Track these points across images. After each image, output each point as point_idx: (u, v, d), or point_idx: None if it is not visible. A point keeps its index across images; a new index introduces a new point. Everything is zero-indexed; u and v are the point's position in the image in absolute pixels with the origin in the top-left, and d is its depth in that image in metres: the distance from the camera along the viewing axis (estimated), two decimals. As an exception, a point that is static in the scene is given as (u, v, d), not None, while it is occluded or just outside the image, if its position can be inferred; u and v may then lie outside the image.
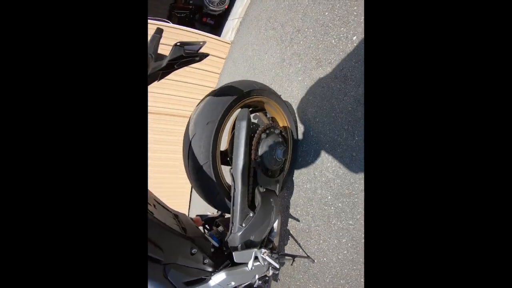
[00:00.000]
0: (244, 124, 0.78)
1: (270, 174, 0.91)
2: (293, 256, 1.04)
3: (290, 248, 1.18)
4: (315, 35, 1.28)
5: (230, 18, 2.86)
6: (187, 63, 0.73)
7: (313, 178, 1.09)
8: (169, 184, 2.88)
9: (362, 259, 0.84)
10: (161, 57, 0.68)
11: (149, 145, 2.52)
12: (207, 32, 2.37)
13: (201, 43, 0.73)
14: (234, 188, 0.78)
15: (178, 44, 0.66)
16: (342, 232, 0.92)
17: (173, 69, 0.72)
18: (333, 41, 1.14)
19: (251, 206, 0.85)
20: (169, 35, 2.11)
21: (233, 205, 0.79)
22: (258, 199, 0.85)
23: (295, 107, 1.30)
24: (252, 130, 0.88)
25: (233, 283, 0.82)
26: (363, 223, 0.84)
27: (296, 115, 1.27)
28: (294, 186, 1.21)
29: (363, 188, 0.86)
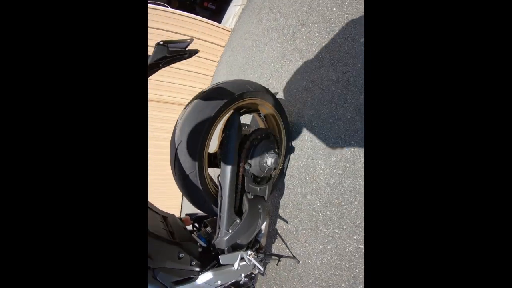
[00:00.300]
0: (233, 132, 0.76)
1: (259, 181, 0.91)
2: (279, 256, 1.08)
3: (277, 246, 1.22)
4: (319, 31, 1.21)
5: (232, 4, 2.68)
6: (174, 61, 0.68)
7: (304, 183, 1.10)
8: (168, 169, 2.90)
9: (344, 266, 0.87)
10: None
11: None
12: (208, 18, 2.23)
13: (188, 40, 0.68)
14: (221, 196, 0.78)
15: (161, 43, 0.61)
16: (327, 239, 0.95)
17: (158, 68, 0.68)
18: (338, 40, 1.08)
19: (239, 212, 0.86)
20: (168, 21, 1.98)
21: (220, 211, 0.79)
22: (245, 205, 0.85)
23: (291, 107, 1.26)
24: (243, 135, 0.86)
25: (219, 282, 0.85)
26: (348, 234, 0.87)
27: (292, 115, 1.24)
28: (285, 188, 1.22)
29: (352, 200, 0.87)
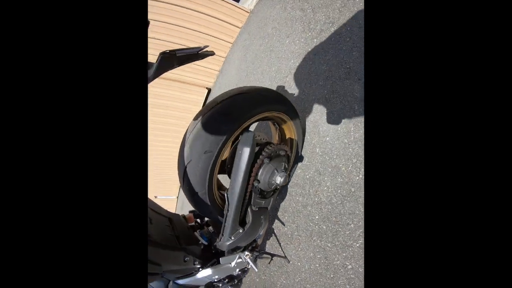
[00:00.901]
0: (247, 151, 0.75)
1: (265, 195, 0.94)
2: (272, 255, 1.19)
3: (271, 244, 1.32)
4: (351, 36, 1.11)
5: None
6: (183, 63, 0.63)
7: (307, 195, 1.14)
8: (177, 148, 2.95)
9: (329, 275, 0.97)
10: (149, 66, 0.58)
11: (157, 110, 2.45)
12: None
13: (202, 46, 0.63)
14: (228, 209, 0.82)
15: (167, 53, 0.56)
16: (319, 249, 1.03)
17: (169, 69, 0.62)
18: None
19: (242, 221, 0.91)
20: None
21: (225, 222, 0.84)
22: (249, 216, 0.90)
23: (307, 114, 1.24)
24: (256, 149, 0.85)
25: (217, 276, 0.95)
26: (339, 250, 0.94)
27: (307, 124, 1.22)
28: (287, 194, 1.27)
29: (349, 223, 0.92)
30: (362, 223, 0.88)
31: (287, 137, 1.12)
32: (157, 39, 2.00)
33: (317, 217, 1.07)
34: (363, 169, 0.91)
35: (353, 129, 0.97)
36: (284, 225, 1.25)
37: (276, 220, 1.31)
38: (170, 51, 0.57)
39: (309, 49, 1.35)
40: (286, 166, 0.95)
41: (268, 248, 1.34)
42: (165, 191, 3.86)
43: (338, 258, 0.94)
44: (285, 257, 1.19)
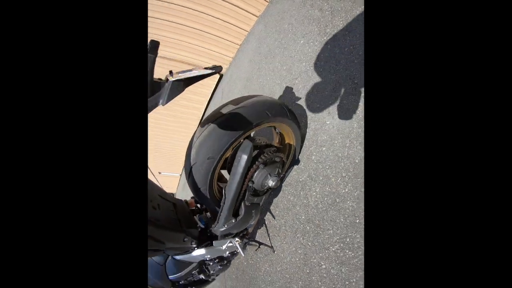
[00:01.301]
0: (244, 159, 0.85)
1: (258, 193, 1.05)
2: (260, 243, 1.33)
3: (261, 233, 1.47)
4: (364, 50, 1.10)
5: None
6: (192, 83, 0.69)
7: (297, 195, 1.24)
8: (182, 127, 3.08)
9: (305, 271, 1.10)
10: (157, 86, 0.62)
11: None
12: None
13: (214, 67, 0.68)
14: (224, 203, 0.94)
15: (175, 79, 0.58)
16: (300, 245, 1.15)
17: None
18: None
19: (236, 213, 1.04)
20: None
21: (221, 212, 0.97)
22: (242, 210, 1.02)
23: (309, 120, 1.28)
24: (255, 152, 0.94)
25: (209, 256, 1.11)
26: (317, 250, 1.06)
27: (307, 130, 1.28)
28: (281, 191, 1.37)
29: (329, 228, 1.02)
30: (340, 230, 0.97)
31: (286, 141, 1.19)
32: (175, 22, 2.01)
33: (303, 217, 1.18)
34: (350, 184, 0.98)
35: (348, 145, 1.03)
36: (274, 218, 1.38)
37: (268, 213, 1.44)
38: (177, 76, 0.60)
39: (322, 55, 1.34)
40: (280, 171, 1.04)
41: (257, 237, 1.49)
42: (169, 168, 4.10)
43: (315, 257, 1.06)
44: (271, 246, 1.34)
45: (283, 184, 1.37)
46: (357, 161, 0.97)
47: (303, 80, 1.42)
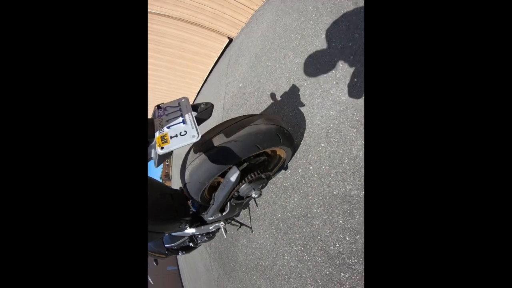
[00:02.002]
0: (231, 183, 0.95)
1: (243, 198, 1.21)
2: (241, 224, 1.61)
3: (244, 214, 1.73)
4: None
5: None
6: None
7: (279, 196, 1.42)
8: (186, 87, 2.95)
9: (271, 256, 1.39)
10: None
11: (169, 50, 2.30)
12: None
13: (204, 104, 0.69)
14: (212, 204, 1.10)
15: (163, 153, 0.58)
16: (272, 235, 1.41)
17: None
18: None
19: (222, 209, 1.22)
20: None
21: (210, 208, 1.15)
22: (227, 207, 1.20)
23: (306, 134, 1.31)
24: (244, 165, 1.02)
25: (198, 233, 1.37)
26: (283, 244, 1.31)
27: (301, 143, 1.32)
28: (267, 186, 1.54)
29: (297, 233, 1.24)
30: (304, 238, 1.19)
31: (277, 153, 1.26)
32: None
33: (279, 215, 1.39)
34: (322, 208, 1.13)
35: (333, 176, 1.11)
36: (257, 206, 1.61)
37: (253, 200, 1.66)
38: (166, 149, 0.59)
39: (340, 65, 1.22)
40: (264, 185, 1.16)
41: (241, 217, 1.76)
42: None
43: (281, 249, 1.33)
44: (250, 227, 1.62)
45: (269, 182, 1.52)
46: (335, 192, 1.09)
47: (312, 86, 1.35)
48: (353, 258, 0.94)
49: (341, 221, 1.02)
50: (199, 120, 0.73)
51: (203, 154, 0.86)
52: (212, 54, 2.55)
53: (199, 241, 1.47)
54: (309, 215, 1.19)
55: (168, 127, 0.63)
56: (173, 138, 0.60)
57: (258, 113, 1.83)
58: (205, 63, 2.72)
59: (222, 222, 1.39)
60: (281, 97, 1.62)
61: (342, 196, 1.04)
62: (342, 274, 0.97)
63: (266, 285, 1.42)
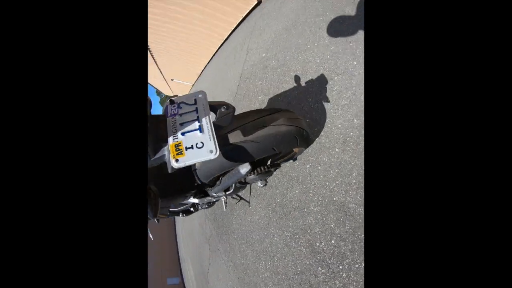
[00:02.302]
0: (240, 175, 0.97)
1: (247, 183, 1.27)
2: (241, 198, 1.73)
3: (245, 190, 1.84)
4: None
5: None
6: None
7: (282, 183, 1.48)
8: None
9: (262, 233, 1.55)
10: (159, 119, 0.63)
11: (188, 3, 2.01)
12: None
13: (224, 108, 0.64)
14: (219, 184, 1.17)
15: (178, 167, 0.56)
16: (267, 215, 1.54)
17: None
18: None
19: (227, 189, 1.30)
20: None
21: (216, 187, 1.23)
22: (232, 187, 1.28)
23: (323, 133, 1.27)
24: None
25: (200, 202, 1.50)
26: (275, 226, 1.44)
27: (317, 139, 1.30)
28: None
29: (290, 221, 1.35)
30: (296, 227, 1.30)
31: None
32: None
33: (278, 200, 1.49)
34: (319, 207, 1.19)
35: (338, 183, 1.13)
36: (257, 189, 1.70)
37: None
38: (182, 162, 0.57)
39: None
40: (267, 179, 1.20)
41: (241, 191, 1.88)
42: (182, 76, 3.97)
43: (273, 229, 1.47)
44: (248, 202, 1.76)
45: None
46: (335, 199, 1.13)
47: (343, 83, 1.23)
48: (333, 258, 1.05)
49: (332, 225, 1.10)
50: (217, 127, 0.67)
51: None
52: (237, 14, 2.24)
53: (200, 208, 1.63)
54: (305, 210, 1.27)
55: (183, 134, 0.58)
56: (188, 150, 0.57)
57: (277, 94, 1.74)
58: (228, 22, 2.43)
59: (224, 197, 1.50)
60: (306, 83, 1.50)
61: (340, 205, 1.08)
62: (320, 269, 1.09)
63: (252, 256, 1.63)
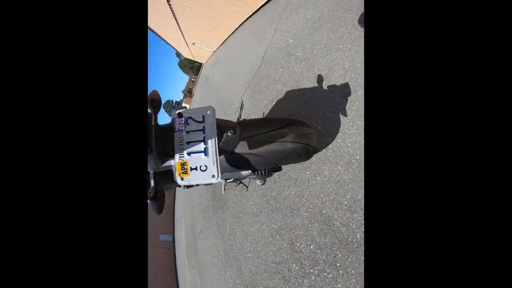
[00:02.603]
0: (241, 176, 1.04)
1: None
2: (240, 182, 1.85)
3: (246, 173, 1.95)
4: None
5: None
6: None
7: (280, 181, 1.56)
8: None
9: (254, 219, 1.70)
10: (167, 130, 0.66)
11: None
12: None
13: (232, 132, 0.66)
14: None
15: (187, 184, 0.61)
16: (260, 204, 1.67)
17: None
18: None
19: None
20: None
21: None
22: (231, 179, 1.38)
23: (331, 146, 1.27)
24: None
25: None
26: (268, 215, 1.58)
27: (323, 150, 1.31)
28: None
29: (279, 216, 1.47)
30: (284, 222, 1.42)
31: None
32: None
33: (274, 194, 1.59)
34: (308, 214, 1.28)
35: (331, 199, 1.18)
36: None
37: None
38: (186, 181, 0.59)
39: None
40: (266, 179, 1.27)
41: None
42: (204, 42, 3.73)
43: (263, 219, 1.61)
44: (247, 187, 1.88)
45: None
46: (323, 211, 1.19)
47: (353, 116, 1.17)
48: (307, 261, 1.18)
49: (315, 233, 1.19)
50: (221, 151, 0.69)
51: (221, 156, 0.91)
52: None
53: (200, 185, 1.77)
54: (295, 211, 1.36)
55: (189, 154, 0.61)
56: (192, 171, 0.61)
57: (296, 89, 1.67)
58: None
59: (224, 182, 1.61)
60: (328, 87, 1.43)
61: (326, 218, 1.16)
62: (294, 265, 1.24)
63: (240, 235, 1.82)
